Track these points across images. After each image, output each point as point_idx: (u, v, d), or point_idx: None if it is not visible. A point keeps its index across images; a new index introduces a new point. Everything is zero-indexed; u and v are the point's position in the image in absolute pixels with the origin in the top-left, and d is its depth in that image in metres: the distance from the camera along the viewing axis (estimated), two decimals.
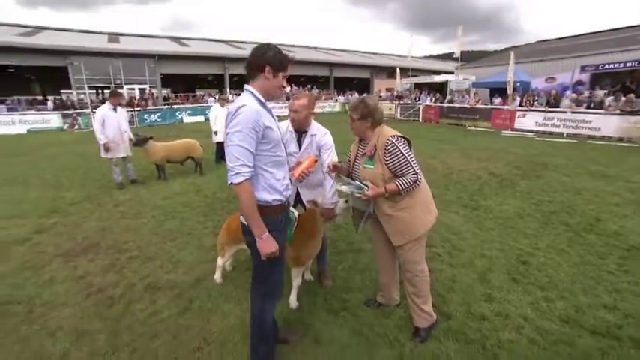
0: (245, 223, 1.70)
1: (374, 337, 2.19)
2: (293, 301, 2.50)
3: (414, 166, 1.96)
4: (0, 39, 18.70)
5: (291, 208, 2.44)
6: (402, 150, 1.97)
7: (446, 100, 16.18)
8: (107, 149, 5.44)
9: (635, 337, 2.12)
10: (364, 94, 2.38)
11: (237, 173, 1.52)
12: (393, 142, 1.98)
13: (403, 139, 2.02)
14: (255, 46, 1.69)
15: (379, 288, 2.52)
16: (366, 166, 2.08)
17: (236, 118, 1.53)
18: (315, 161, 2.14)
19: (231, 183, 1.54)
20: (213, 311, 2.46)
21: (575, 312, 2.38)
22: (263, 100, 1.66)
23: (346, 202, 2.27)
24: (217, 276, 2.82)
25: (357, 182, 2.04)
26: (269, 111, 1.68)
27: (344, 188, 2.08)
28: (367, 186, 2.00)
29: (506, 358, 2.00)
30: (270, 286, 1.82)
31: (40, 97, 22.33)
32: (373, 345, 2.13)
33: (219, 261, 2.79)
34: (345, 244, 3.51)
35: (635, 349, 2.04)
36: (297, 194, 2.66)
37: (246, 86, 1.69)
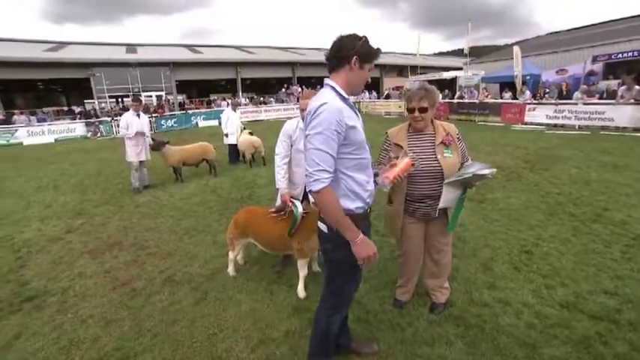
0: (324, 230, 1.60)
1: (377, 323, 2.31)
2: (301, 290, 2.65)
3: None
4: (29, 55, 19.84)
5: (297, 203, 2.60)
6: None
7: (456, 97, 16.01)
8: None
9: (633, 321, 2.17)
10: (424, 83, 2.25)
11: (316, 180, 1.38)
12: (458, 131, 2.12)
13: None
14: (343, 35, 1.51)
15: (404, 288, 2.48)
16: (445, 155, 2.03)
17: (317, 119, 1.38)
18: (413, 164, 1.87)
19: (310, 190, 1.42)
20: (227, 301, 2.64)
21: (576, 298, 2.44)
22: (346, 95, 1.49)
23: None
24: (230, 269, 3.01)
25: (477, 164, 1.96)
26: (352, 107, 1.50)
27: (485, 171, 1.90)
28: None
29: (504, 341, 2.08)
30: (341, 299, 1.73)
31: (65, 108, 23.58)
32: (376, 330, 2.25)
33: (231, 255, 2.97)
34: None
35: (632, 331, 2.09)
36: (305, 191, 2.82)
37: (327, 80, 1.52)
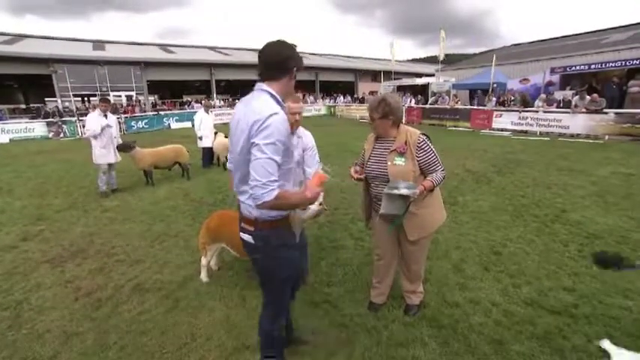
0: (250, 241, 1.61)
1: (353, 326, 2.32)
2: None
3: (441, 162, 2.10)
4: None
5: None
6: (432, 147, 2.09)
7: (429, 102, 16.59)
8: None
9: (588, 314, 2.33)
10: (385, 93, 2.34)
11: (271, 190, 1.37)
12: (424, 140, 2.07)
13: (428, 137, 2.13)
14: (274, 42, 1.50)
15: (377, 290, 2.50)
16: (396, 162, 2.08)
17: (268, 129, 1.37)
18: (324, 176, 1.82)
19: (265, 201, 1.38)
20: (199, 308, 2.55)
21: (539, 295, 2.58)
22: (282, 103, 1.51)
23: (320, 204, 2.21)
24: (203, 275, 2.92)
25: (405, 183, 1.97)
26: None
27: (404, 191, 1.92)
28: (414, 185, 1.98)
29: (475, 339, 2.16)
30: (280, 306, 1.79)
31: (23, 106, 21.97)
32: (353, 334, 2.26)
33: (203, 260, 2.89)
34: (328, 241, 3.65)
35: (588, 325, 2.24)
36: None
37: (263, 86, 1.49)
